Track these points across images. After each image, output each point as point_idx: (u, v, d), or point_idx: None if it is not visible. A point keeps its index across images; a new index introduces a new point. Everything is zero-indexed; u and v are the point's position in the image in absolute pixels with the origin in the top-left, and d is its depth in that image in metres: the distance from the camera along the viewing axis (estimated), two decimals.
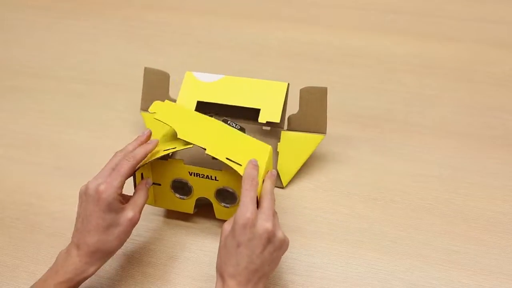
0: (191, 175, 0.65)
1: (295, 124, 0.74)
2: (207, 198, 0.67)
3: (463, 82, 0.92)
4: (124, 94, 0.93)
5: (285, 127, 0.76)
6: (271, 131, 0.76)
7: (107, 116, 0.89)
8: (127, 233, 0.59)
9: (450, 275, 0.64)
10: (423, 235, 0.69)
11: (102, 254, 0.57)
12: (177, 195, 0.68)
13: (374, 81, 0.93)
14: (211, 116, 0.71)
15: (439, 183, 0.75)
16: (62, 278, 0.56)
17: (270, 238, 0.54)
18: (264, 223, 0.54)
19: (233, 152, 0.62)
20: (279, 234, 0.56)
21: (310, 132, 0.74)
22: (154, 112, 0.67)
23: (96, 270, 0.57)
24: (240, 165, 0.60)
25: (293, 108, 0.74)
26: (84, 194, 0.58)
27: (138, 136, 0.65)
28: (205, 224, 0.71)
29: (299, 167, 0.75)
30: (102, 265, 0.58)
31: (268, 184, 0.59)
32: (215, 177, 0.64)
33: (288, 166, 0.75)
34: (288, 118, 0.75)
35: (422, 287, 0.64)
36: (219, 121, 0.69)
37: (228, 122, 0.69)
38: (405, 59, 0.96)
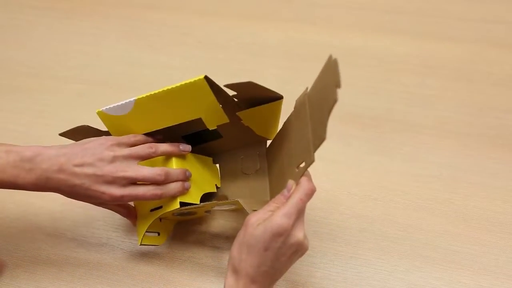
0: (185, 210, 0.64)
1: (245, 103, 0.64)
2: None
3: (463, 82, 0.92)
4: (124, 94, 0.93)
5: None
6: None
7: None
8: None
9: (450, 275, 0.64)
10: (423, 235, 0.69)
11: None
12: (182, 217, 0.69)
13: (374, 81, 0.93)
14: None
15: (439, 183, 0.75)
16: None
17: (298, 249, 0.53)
18: (298, 234, 0.53)
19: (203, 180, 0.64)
20: (306, 243, 0.54)
21: (263, 102, 0.63)
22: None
23: None
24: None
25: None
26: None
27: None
28: (206, 224, 0.71)
29: (276, 133, 0.68)
30: None
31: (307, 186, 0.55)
32: (209, 211, 0.66)
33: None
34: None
35: (422, 287, 0.64)
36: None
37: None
38: (405, 59, 0.96)
